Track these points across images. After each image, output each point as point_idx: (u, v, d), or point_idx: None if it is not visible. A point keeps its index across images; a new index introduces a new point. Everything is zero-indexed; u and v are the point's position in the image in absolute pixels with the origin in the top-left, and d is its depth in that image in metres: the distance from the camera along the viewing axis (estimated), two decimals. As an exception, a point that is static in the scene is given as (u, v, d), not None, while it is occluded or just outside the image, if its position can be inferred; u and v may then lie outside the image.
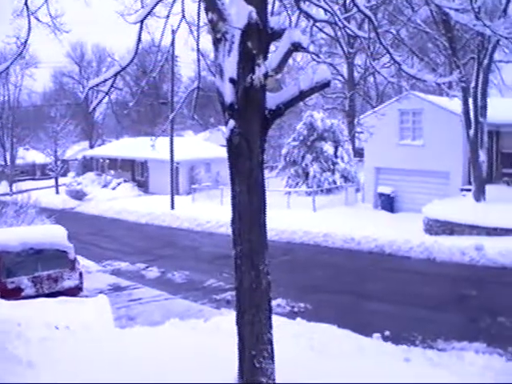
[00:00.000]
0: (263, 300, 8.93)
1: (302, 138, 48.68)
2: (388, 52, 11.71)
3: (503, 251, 24.45)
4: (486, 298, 20.32)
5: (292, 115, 61.25)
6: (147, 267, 26.92)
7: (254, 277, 8.78)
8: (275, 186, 47.33)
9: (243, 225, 8.76)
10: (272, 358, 9.17)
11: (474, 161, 32.37)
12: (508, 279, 22.63)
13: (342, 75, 59.98)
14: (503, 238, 26.44)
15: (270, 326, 9.13)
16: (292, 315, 17.67)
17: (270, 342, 9.12)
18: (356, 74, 56.56)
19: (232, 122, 8.58)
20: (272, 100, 8.84)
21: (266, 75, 8.46)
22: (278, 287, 18.94)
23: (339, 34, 45.77)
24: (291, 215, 36.31)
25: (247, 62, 8.41)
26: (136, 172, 61.25)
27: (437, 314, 18.29)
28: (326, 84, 9.05)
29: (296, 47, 8.61)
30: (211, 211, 40.37)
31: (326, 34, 49.71)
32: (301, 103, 10.78)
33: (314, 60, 11.28)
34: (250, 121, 8.59)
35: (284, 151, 50.97)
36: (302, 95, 8.94)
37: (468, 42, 34.40)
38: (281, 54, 8.71)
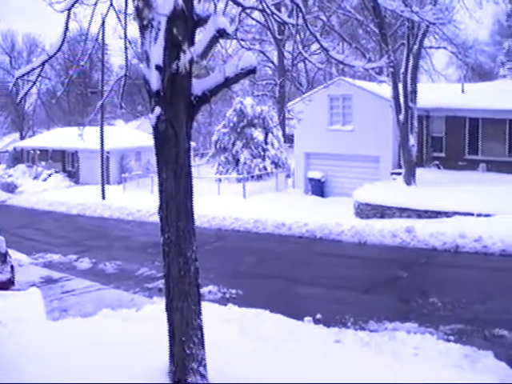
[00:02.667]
0: (192, 286, 8.94)
1: (232, 124, 48.81)
2: (316, 38, 11.82)
3: (434, 233, 24.88)
4: (417, 279, 20.78)
5: (223, 102, 61.32)
6: (79, 258, 26.65)
7: (182, 263, 8.79)
8: (206, 173, 47.48)
9: (170, 211, 8.77)
10: (202, 343, 9.19)
11: (403, 145, 32.92)
12: (438, 260, 23.09)
13: (272, 62, 60.26)
14: (434, 220, 27.02)
15: (200, 312, 9.15)
16: (224, 301, 17.65)
17: (200, 328, 9.15)
18: (286, 61, 56.78)
19: (158, 109, 8.56)
20: (198, 86, 8.84)
21: (191, 61, 8.46)
22: (209, 274, 19.09)
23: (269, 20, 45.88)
24: (222, 202, 36.51)
25: (173, 48, 8.37)
26: (67, 163, 60.52)
27: (368, 295, 18.59)
28: (252, 70, 9.07)
29: (221, 33, 8.60)
30: (142, 200, 40.18)
31: (256, 21, 49.84)
32: (230, 90, 10.79)
33: (243, 47, 11.34)
34: (176, 107, 8.58)
35: (214, 138, 51.10)
36: (228, 82, 8.94)
37: (398, 28, 34.88)
38: (206, 41, 8.70)
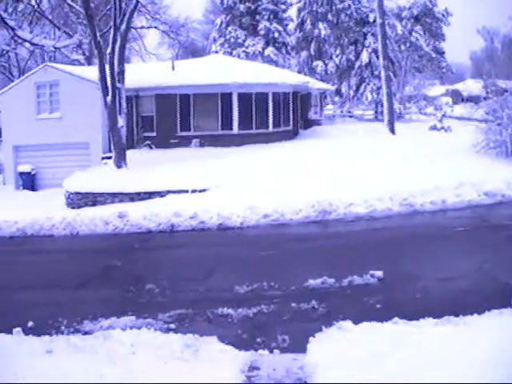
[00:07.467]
0: None
1: None
2: (2, 18, 10.97)
3: (148, 215, 24.57)
4: (132, 266, 20.14)
5: None
6: None
7: None
8: None
9: None
10: None
11: (112, 128, 32.61)
12: (153, 243, 22.78)
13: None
14: (146, 201, 27.04)
15: None
16: None
17: None
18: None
19: None
20: None
21: None
22: None
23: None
24: None
25: None
26: None
27: (82, 292, 17.41)
28: None
29: None
30: None
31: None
32: None
33: None
34: None
35: None
36: None
37: (109, 10, 34.88)
38: None
